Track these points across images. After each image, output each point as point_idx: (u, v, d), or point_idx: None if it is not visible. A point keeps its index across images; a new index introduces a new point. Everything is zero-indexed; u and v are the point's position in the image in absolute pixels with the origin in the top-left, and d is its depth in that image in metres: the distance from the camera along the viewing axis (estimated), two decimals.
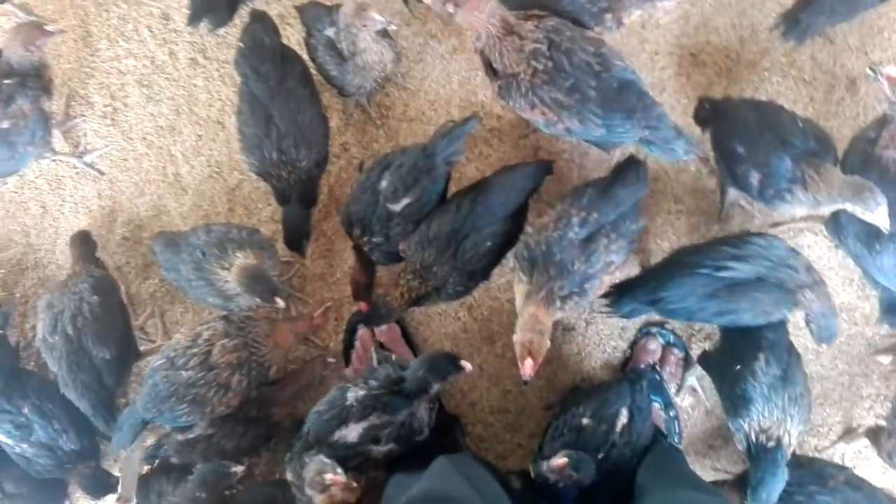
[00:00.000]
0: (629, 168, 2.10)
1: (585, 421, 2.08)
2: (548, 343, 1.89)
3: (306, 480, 1.91)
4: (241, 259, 2.11)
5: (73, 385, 2.24)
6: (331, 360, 2.50)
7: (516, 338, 1.90)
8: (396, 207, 2.16)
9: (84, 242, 2.47)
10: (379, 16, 2.11)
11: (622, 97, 2.01)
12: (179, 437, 2.26)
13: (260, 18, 2.33)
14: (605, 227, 1.97)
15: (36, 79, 2.37)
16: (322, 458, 1.91)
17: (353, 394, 2.07)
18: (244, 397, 2.20)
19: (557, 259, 1.91)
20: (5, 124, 2.33)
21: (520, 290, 1.97)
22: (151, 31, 2.72)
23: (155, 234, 2.47)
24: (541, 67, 1.97)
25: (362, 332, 2.48)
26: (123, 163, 2.70)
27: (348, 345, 2.52)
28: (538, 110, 2.04)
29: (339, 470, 1.89)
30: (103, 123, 2.71)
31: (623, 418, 2.10)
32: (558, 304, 1.94)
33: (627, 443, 2.08)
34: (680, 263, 2.07)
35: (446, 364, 2.01)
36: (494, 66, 2.04)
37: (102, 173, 2.70)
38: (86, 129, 2.71)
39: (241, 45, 2.31)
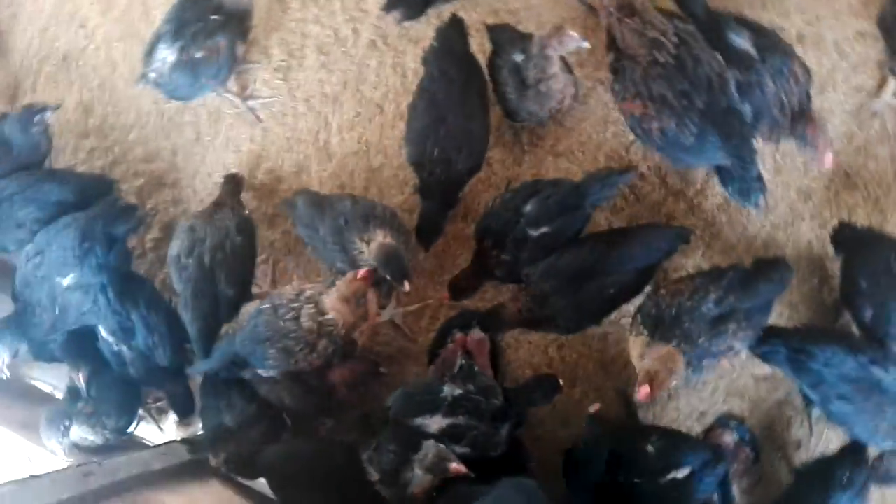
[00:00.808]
0: (775, 267, 2.14)
1: (650, 448, 2.09)
2: (671, 384, 1.93)
3: (423, 462, 1.96)
4: (381, 237, 2.20)
5: (191, 308, 2.35)
6: (382, 370, 2.59)
7: (644, 364, 1.94)
8: (534, 233, 2.24)
9: (238, 182, 2.60)
10: (576, 34, 2.18)
11: (726, 120, 2.08)
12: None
13: (457, 24, 2.46)
14: (739, 313, 2.01)
15: (238, 22, 2.53)
16: (440, 445, 1.97)
17: (450, 389, 2.14)
18: (327, 361, 2.28)
19: (685, 327, 1.96)
20: (200, 54, 2.49)
21: (637, 343, 2.02)
22: (343, 5, 2.87)
23: (297, 190, 2.59)
24: (661, 60, 2.02)
25: (458, 335, 2.55)
26: (282, 116, 2.84)
27: (438, 344, 2.59)
28: (641, 102, 2.09)
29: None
30: (274, 76, 2.86)
31: (681, 473, 2.08)
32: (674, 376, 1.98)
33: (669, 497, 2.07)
34: (842, 336, 2.10)
35: (553, 390, 2.07)
36: (618, 44, 2.11)
37: (260, 120, 2.84)
38: (257, 76, 2.86)
39: (434, 44, 2.43)
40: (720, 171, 2.26)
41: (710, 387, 2.57)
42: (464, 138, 2.35)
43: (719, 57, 2.13)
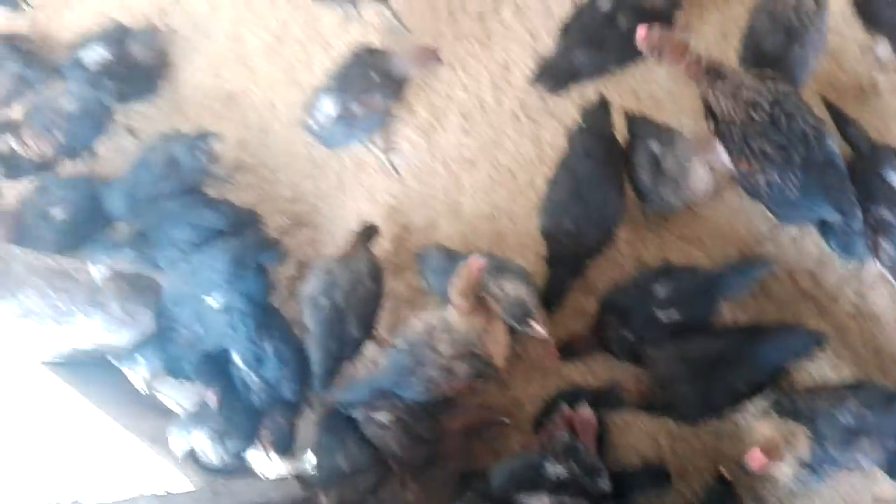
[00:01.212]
0: None
1: None
2: (786, 472, 1.91)
3: None
4: (511, 287, 2.28)
5: (320, 345, 2.49)
6: (506, 421, 2.61)
7: (766, 432, 1.92)
8: (663, 316, 2.26)
9: (373, 231, 2.75)
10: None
11: (824, 173, 2.13)
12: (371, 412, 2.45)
13: (605, 106, 2.55)
14: (874, 431, 1.96)
15: (397, 86, 2.71)
16: None
17: (553, 469, 2.16)
18: (469, 385, 2.37)
19: (818, 430, 1.94)
20: (358, 109, 2.67)
21: (764, 424, 2.00)
22: (490, 75, 3.02)
23: (429, 243, 2.72)
24: (757, 119, 2.10)
25: (566, 410, 2.58)
26: (419, 173, 2.99)
27: (545, 413, 2.61)
28: (744, 160, 2.16)
29: None
30: (417, 134, 3.02)
31: None
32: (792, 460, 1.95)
33: None
34: None
35: (663, 482, 2.06)
36: (714, 110, 2.19)
37: (399, 174, 3.00)
38: (402, 133, 3.03)
39: (581, 124, 2.52)
40: (822, 226, 2.31)
41: (824, 499, 2.48)
42: (599, 216, 2.43)
43: (814, 113, 2.20)
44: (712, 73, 2.16)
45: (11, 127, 3.11)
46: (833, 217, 2.19)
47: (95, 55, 3.16)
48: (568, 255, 2.47)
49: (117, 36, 3.22)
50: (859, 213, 2.16)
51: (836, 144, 2.20)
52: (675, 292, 2.26)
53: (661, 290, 2.28)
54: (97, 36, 3.23)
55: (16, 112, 3.31)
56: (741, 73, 2.18)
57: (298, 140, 3.07)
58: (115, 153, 3.30)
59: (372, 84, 2.65)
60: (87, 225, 3.07)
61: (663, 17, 2.38)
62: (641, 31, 2.22)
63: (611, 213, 2.46)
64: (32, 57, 3.40)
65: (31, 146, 3.09)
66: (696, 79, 2.20)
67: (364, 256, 2.62)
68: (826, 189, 2.14)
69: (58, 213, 3.00)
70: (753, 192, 2.30)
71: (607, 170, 2.45)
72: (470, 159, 2.96)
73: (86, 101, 3.12)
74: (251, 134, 3.17)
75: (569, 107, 2.89)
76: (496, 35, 3.01)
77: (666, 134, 2.46)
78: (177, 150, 2.88)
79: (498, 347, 2.33)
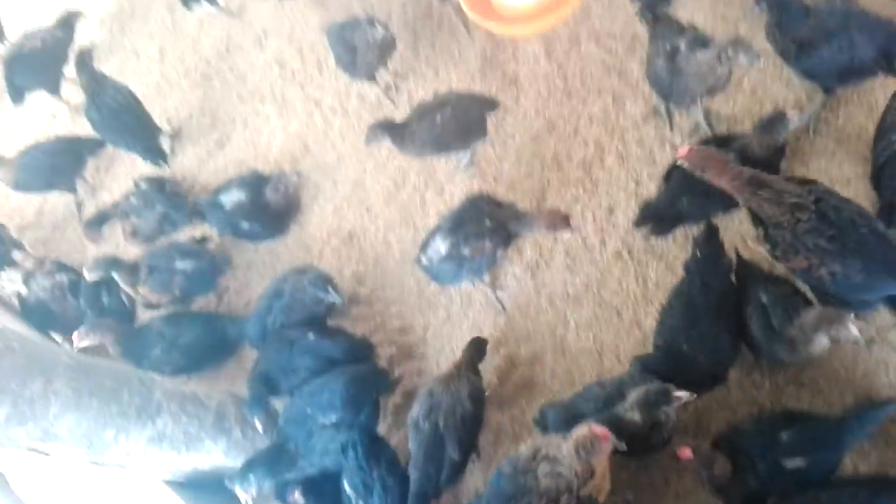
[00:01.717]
0: None
1: None
2: None
3: None
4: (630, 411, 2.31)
5: (418, 467, 2.52)
6: None
7: None
8: (788, 463, 2.18)
9: (478, 351, 2.83)
10: (855, 328, 2.22)
11: (880, 248, 2.18)
12: None
13: (715, 235, 2.61)
14: None
15: (507, 235, 2.88)
16: None
17: None
18: None
19: None
20: (467, 251, 2.84)
21: None
22: (594, 217, 3.16)
23: (535, 380, 2.77)
24: (804, 218, 2.17)
25: None
26: (526, 308, 3.09)
27: None
28: (801, 257, 2.22)
29: None
30: (523, 271, 3.16)
31: None
32: None
33: None
34: None
35: None
36: (761, 216, 2.27)
37: (505, 310, 3.11)
38: (509, 270, 3.18)
39: (698, 253, 2.58)
40: (891, 301, 2.36)
41: None
42: (713, 344, 2.44)
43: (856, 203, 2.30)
44: (755, 183, 2.26)
45: (131, 271, 3.42)
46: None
47: (233, 198, 3.52)
48: (678, 376, 2.44)
49: (254, 181, 3.60)
50: None
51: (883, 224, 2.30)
52: (801, 440, 2.19)
53: (786, 437, 2.21)
54: (236, 181, 3.61)
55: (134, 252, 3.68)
56: (781, 181, 2.29)
57: (410, 276, 3.27)
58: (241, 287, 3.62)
59: (484, 230, 2.82)
60: (210, 354, 3.37)
61: (765, 166, 2.47)
62: (683, 150, 2.38)
63: (725, 345, 2.46)
64: (176, 198, 3.81)
65: (147, 298, 3.43)
66: (739, 192, 2.30)
67: (466, 377, 2.68)
68: (888, 265, 2.19)
69: (184, 339, 3.27)
70: (819, 287, 2.36)
71: (723, 303, 2.48)
72: (575, 297, 3.05)
73: (200, 262, 3.44)
74: (367, 269, 3.40)
75: (674, 248, 2.97)
76: (601, 181, 3.19)
77: (774, 284, 2.48)
78: (307, 284, 3.11)
79: (603, 482, 2.31)
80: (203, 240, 3.67)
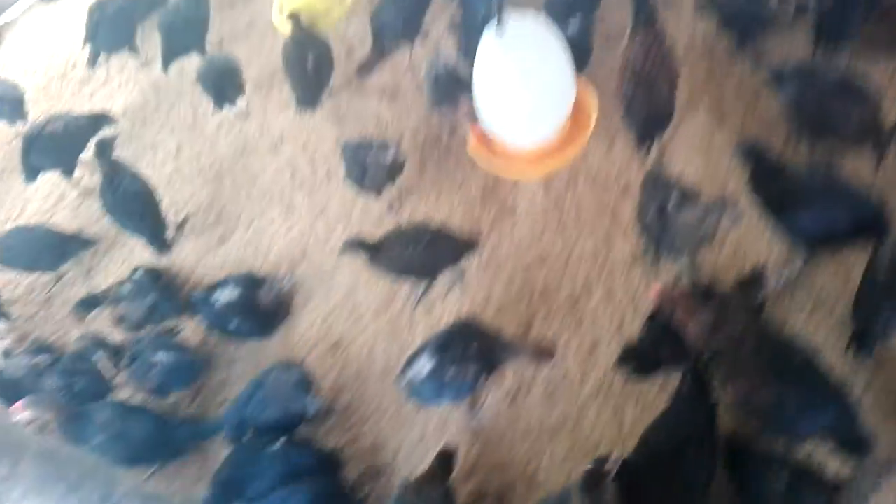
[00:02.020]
0: None
1: None
2: None
3: None
4: None
5: None
6: None
7: None
8: None
9: (449, 461, 2.78)
10: None
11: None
12: None
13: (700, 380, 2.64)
14: None
15: (494, 363, 2.93)
16: None
17: None
18: None
19: None
20: (450, 374, 2.86)
21: None
22: (576, 352, 3.20)
23: None
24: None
25: None
26: (501, 437, 3.08)
27: None
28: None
29: None
30: (502, 398, 3.17)
31: None
32: None
33: None
34: None
35: None
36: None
37: (480, 436, 3.09)
38: (487, 396, 3.19)
39: (681, 388, 2.61)
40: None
41: None
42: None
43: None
44: (716, 328, 2.51)
45: (115, 353, 3.45)
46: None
47: (226, 295, 3.58)
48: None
49: (249, 281, 3.67)
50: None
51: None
52: None
53: None
54: (231, 279, 3.68)
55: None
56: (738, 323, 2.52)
57: (390, 392, 3.27)
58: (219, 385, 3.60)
59: (470, 355, 2.87)
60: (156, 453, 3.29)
61: (744, 323, 2.57)
62: (655, 288, 2.65)
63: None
64: (169, 290, 3.88)
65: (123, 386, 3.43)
66: (701, 337, 2.52)
67: (440, 485, 2.63)
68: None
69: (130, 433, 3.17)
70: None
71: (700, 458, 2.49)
72: (552, 429, 3.04)
73: (181, 356, 3.44)
74: (348, 380, 3.40)
75: (654, 390, 3.00)
76: (586, 317, 3.26)
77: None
78: (285, 381, 3.11)
79: None
80: (174, 330, 3.69)
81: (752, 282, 2.73)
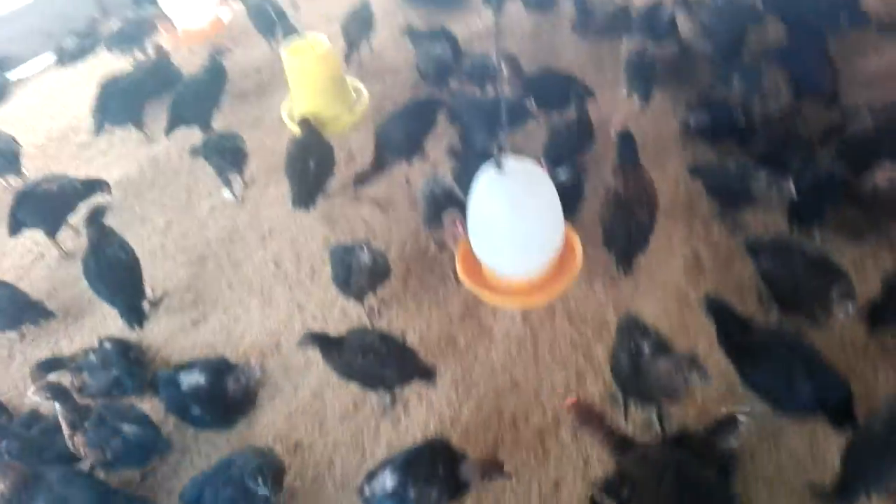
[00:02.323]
0: None
1: None
2: None
3: None
4: None
5: None
6: None
7: None
8: None
9: None
10: None
11: None
12: None
13: None
14: None
15: (458, 486, 2.88)
16: None
17: None
18: None
19: None
20: (412, 494, 2.81)
21: None
22: (540, 489, 3.18)
23: None
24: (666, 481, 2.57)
25: None
26: None
27: None
28: None
29: None
30: None
31: None
32: None
33: None
34: None
35: None
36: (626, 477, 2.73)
37: None
38: None
39: None
40: None
41: None
42: None
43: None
44: (623, 445, 2.73)
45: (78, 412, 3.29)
46: None
47: (192, 379, 3.52)
48: None
49: (218, 368, 3.62)
50: None
51: None
52: None
53: None
54: (200, 363, 3.63)
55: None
56: (647, 447, 2.70)
57: (346, 501, 3.19)
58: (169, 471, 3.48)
59: (435, 476, 2.85)
60: None
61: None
62: (570, 400, 2.92)
63: None
64: (135, 366, 3.80)
65: (79, 450, 3.28)
66: (609, 450, 2.75)
67: None
68: None
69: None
70: None
71: None
72: None
73: (145, 432, 3.34)
74: (304, 486, 3.31)
75: None
76: (552, 452, 3.27)
77: None
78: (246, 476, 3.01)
79: None
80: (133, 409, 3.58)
81: (725, 425, 2.84)
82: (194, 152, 4.77)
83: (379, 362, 3.34)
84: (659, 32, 5.03)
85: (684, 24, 4.82)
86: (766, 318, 3.51)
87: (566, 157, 4.22)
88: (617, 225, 3.76)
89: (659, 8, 5.19)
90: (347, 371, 3.42)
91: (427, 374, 3.48)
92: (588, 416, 2.92)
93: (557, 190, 2.97)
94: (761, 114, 4.39)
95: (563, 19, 5.73)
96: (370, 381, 3.46)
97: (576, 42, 5.56)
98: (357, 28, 5.60)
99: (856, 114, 4.13)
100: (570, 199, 3.96)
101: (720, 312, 3.24)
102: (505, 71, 4.83)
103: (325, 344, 3.37)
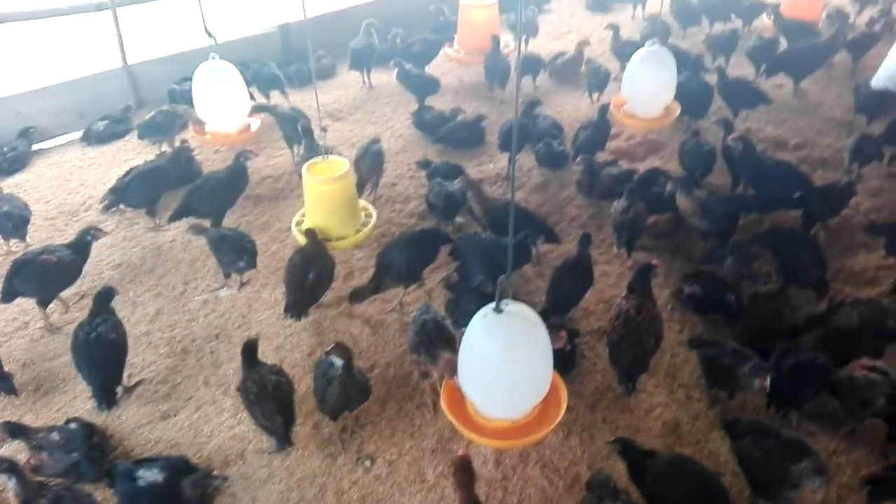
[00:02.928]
0: None
1: None
2: None
3: None
4: None
5: None
6: None
7: None
8: None
9: None
10: None
11: None
12: None
13: None
14: None
15: None
16: None
17: None
18: None
19: None
20: None
21: None
22: None
23: None
24: None
25: None
26: None
27: None
28: None
29: None
30: None
31: None
32: None
33: None
34: None
35: None
36: None
37: None
38: None
39: None
40: None
41: None
42: None
43: None
44: None
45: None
46: None
47: (150, 476, 3.41)
48: None
49: (178, 468, 3.51)
50: None
51: None
52: None
53: None
54: (161, 460, 3.53)
55: None
56: None
57: None
58: None
59: None
60: None
61: None
62: (461, 452, 3.09)
63: None
64: (97, 452, 3.67)
65: None
66: None
67: None
68: None
69: None
70: None
71: None
72: None
73: None
74: None
75: None
76: None
77: None
78: None
79: None
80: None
81: None
82: (197, 231, 4.88)
83: None
84: (657, 202, 5.29)
85: (682, 200, 5.08)
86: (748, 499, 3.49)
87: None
88: (623, 347, 4.01)
89: (659, 177, 5.49)
90: None
91: None
92: (460, 470, 3.13)
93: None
94: (750, 295, 4.54)
95: (571, 175, 6.02)
96: None
97: (581, 198, 5.83)
98: (368, 168, 5.72)
99: (841, 307, 4.28)
100: (568, 358, 4.13)
101: (629, 453, 3.43)
102: (469, 198, 5.06)
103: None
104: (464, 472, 3.12)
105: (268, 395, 3.69)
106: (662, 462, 3.39)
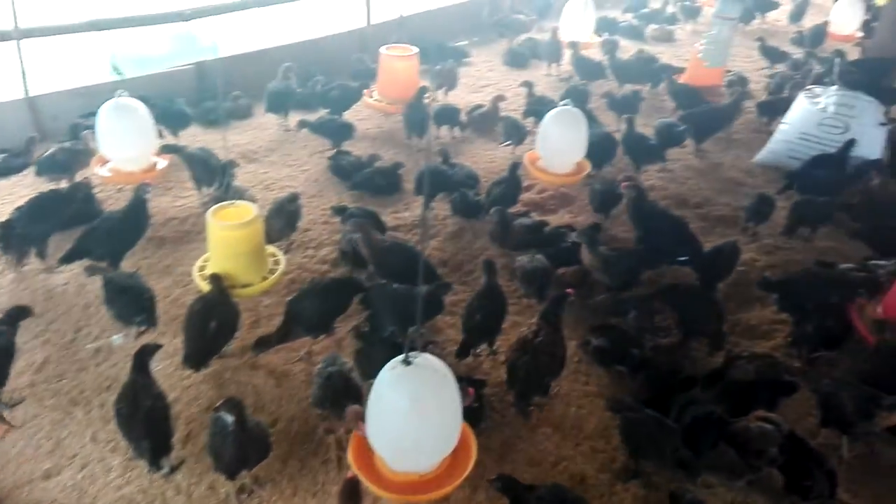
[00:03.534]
0: None
1: None
2: None
3: None
4: None
5: None
6: None
7: None
8: None
9: None
10: None
11: None
12: None
13: None
14: None
15: None
16: None
17: None
18: None
19: None
20: None
21: None
22: None
23: None
24: None
25: None
26: None
27: None
28: None
29: None
30: None
31: None
32: None
33: None
34: None
35: None
36: None
37: None
38: None
39: None
40: None
41: None
42: None
43: None
44: None
45: None
46: None
47: None
48: None
49: None
50: None
51: None
52: None
53: None
54: None
55: None
56: None
57: None
58: None
59: None
60: None
61: None
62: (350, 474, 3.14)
63: None
64: None
65: None
66: None
67: None
68: None
69: None
70: None
71: None
72: None
73: None
74: None
75: None
76: None
77: None
78: None
79: None
80: None
81: None
82: (92, 271, 4.61)
83: None
84: (562, 255, 5.40)
85: (586, 255, 5.21)
86: None
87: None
88: (520, 367, 4.12)
89: (564, 234, 5.63)
90: None
91: None
92: (351, 500, 3.21)
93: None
94: (652, 347, 4.66)
95: (486, 225, 6.09)
96: None
97: (494, 248, 5.88)
98: (280, 228, 5.55)
99: (737, 360, 4.44)
100: (477, 412, 4.07)
101: (510, 488, 3.53)
102: (358, 241, 5.05)
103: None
104: (349, 495, 3.13)
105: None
106: (544, 490, 3.54)
